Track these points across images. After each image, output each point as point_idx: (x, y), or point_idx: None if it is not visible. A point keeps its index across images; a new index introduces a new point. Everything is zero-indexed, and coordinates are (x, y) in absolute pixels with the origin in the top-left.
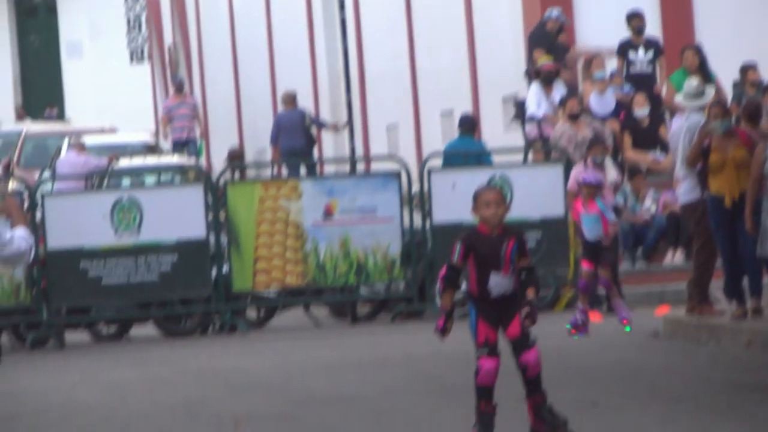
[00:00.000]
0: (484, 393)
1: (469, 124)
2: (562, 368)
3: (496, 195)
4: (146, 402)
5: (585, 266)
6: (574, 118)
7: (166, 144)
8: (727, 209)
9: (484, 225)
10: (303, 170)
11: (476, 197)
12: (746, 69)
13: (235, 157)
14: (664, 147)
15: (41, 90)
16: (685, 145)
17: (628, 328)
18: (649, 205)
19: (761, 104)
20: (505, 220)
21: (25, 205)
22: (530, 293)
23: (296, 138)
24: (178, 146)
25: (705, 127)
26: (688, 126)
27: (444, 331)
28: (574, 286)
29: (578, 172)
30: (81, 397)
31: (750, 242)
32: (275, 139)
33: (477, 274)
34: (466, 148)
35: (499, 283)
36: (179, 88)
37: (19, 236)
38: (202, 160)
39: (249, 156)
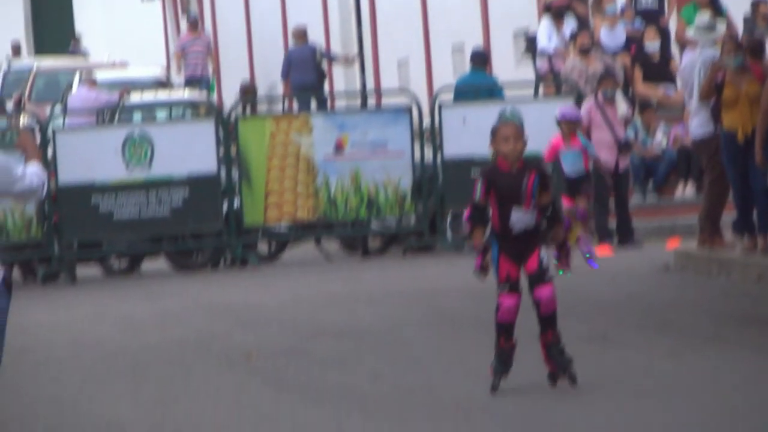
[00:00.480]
0: (504, 329)
1: (481, 59)
2: (574, 301)
3: (515, 130)
4: (157, 336)
5: (566, 203)
6: (584, 52)
7: (178, 79)
8: (740, 144)
9: (504, 160)
10: (314, 105)
11: (494, 132)
12: (757, 3)
13: (248, 92)
14: (675, 81)
15: (53, 27)
16: (700, 79)
17: (596, 266)
18: (660, 139)
19: (764, 39)
20: (523, 154)
21: (37, 140)
22: (559, 234)
23: (307, 73)
24: (192, 82)
25: (718, 62)
26: (702, 60)
27: (482, 269)
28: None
29: (589, 106)
30: (92, 331)
31: (761, 177)
32: (286, 74)
33: (498, 210)
34: (478, 82)
35: (521, 218)
36: (193, 25)
37: (32, 172)
38: (213, 97)
39: (260, 91)
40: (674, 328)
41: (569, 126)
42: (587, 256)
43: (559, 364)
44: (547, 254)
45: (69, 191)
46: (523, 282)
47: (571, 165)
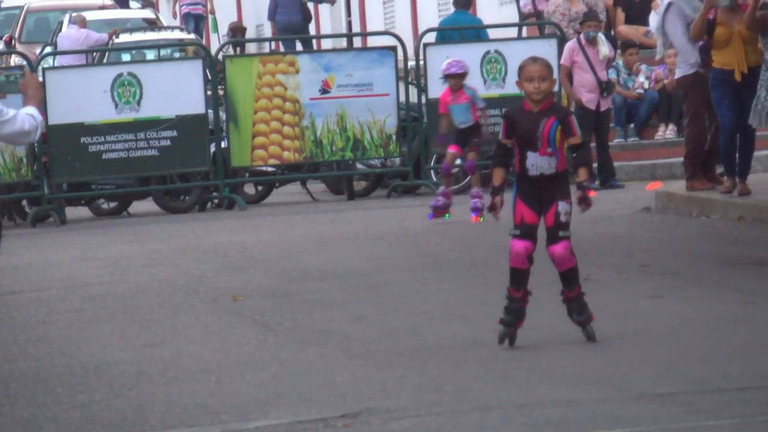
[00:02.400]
0: (514, 277)
1: (464, 0)
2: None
3: (540, 69)
4: (146, 277)
5: (451, 149)
6: None
7: (165, 20)
8: (735, 83)
9: (527, 100)
10: (300, 46)
11: (520, 70)
12: None
13: (237, 31)
14: None
15: None
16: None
17: (482, 219)
18: (642, 80)
19: None
20: (549, 95)
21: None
22: (582, 174)
23: (293, 13)
24: (189, 19)
25: (710, 0)
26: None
27: (493, 208)
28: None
29: (571, 46)
30: (81, 272)
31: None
32: (272, 15)
33: (519, 152)
34: (462, 22)
35: (535, 163)
36: None
37: (25, 114)
38: (217, 35)
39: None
40: (656, 269)
41: (455, 80)
42: (472, 208)
43: (577, 322)
44: (566, 208)
45: (59, 131)
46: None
47: (459, 117)
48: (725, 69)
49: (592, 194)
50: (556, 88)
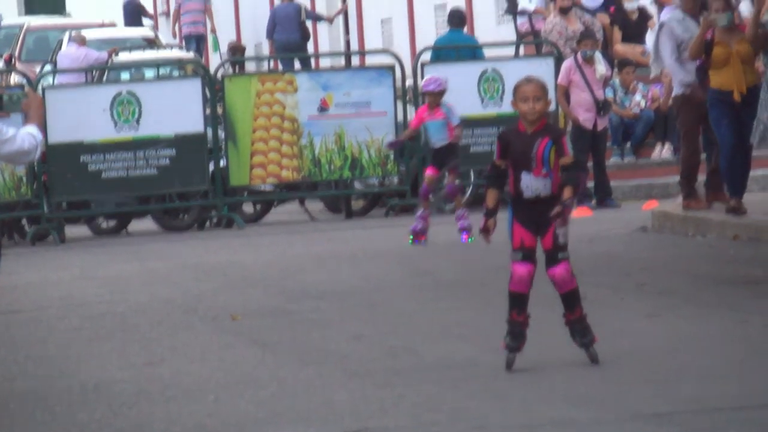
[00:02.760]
0: (516, 301)
1: (459, 18)
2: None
3: (535, 89)
4: (145, 295)
5: (429, 172)
6: (564, 11)
7: (164, 38)
8: (734, 103)
9: (522, 120)
10: (298, 64)
11: (515, 90)
12: None
13: (236, 50)
14: None
15: None
16: (663, 40)
17: (471, 239)
18: (639, 99)
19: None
20: (544, 115)
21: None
22: (566, 193)
23: (291, 31)
24: (190, 40)
25: (707, 19)
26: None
27: (485, 231)
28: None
29: (568, 65)
30: (80, 291)
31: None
32: (271, 33)
33: (513, 173)
34: (457, 41)
35: (530, 184)
36: None
37: (25, 134)
38: (218, 54)
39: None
40: (652, 288)
41: (433, 97)
42: (463, 230)
43: (580, 344)
44: (564, 229)
45: (58, 150)
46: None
47: (434, 134)
48: (723, 89)
49: (588, 213)
50: (552, 107)
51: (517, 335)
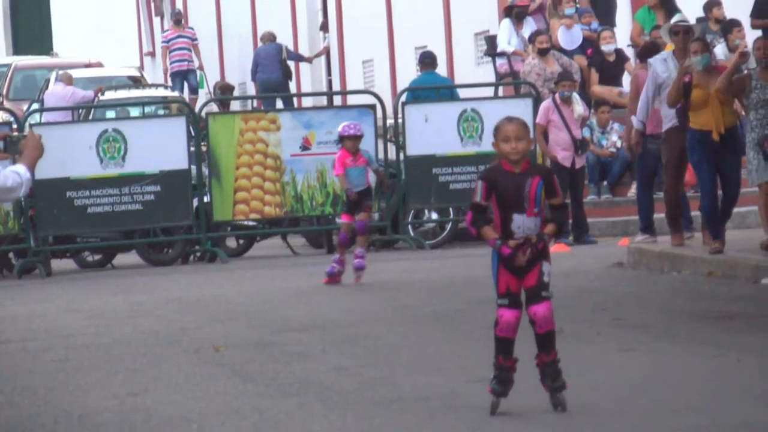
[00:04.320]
0: (503, 346)
1: (430, 59)
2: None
3: (516, 128)
4: (129, 328)
5: (344, 219)
6: (543, 53)
7: (149, 78)
8: (713, 144)
9: (505, 161)
10: (281, 103)
11: (496, 130)
12: (711, 5)
13: (225, 90)
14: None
15: (31, 25)
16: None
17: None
18: (615, 139)
19: (657, 44)
20: (526, 154)
21: (13, 133)
22: (548, 228)
23: (273, 70)
24: (178, 77)
25: (685, 66)
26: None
27: (514, 254)
28: None
29: (547, 105)
30: (66, 323)
31: (736, 178)
32: (254, 74)
33: (500, 214)
34: (431, 82)
35: (522, 225)
36: (177, 21)
37: (11, 171)
38: (203, 92)
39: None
40: (627, 322)
41: (352, 141)
42: (358, 269)
43: (550, 388)
44: (548, 268)
45: (45, 186)
46: None
47: (355, 180)
48: (703, 130)
49: (565, 249)
50: (531, 147)
51: (503, 381)
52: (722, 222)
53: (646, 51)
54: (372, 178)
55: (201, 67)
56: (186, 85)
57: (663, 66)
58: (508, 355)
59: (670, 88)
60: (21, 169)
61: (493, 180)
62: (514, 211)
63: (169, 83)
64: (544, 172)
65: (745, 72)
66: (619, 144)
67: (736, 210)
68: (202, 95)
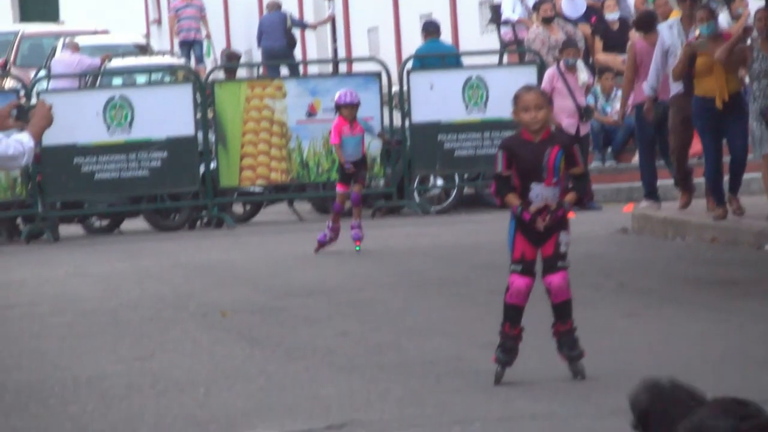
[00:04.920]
0: (511, 313)
1: (434, 28)
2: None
3: (536, 97)
4: (136, 292)
5: (340, 189)
6: (547, 21)
7: (155, 45)
8: (718, 110)
9: (525, 130)
10: (286, 71)
11: (515, 100)
12: None
13: (232, 58)
14: None
15: None
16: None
17: (357, 248)
18: (619, 106)
19: (653, 14)
20: (547, 123)
21: (22, 101)
22: (569, 196)
23: (277, 39)
24: (185, 46)
25: (689, 44)
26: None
27: (538, 222)
28: None
29: (551, 73)
30: (73, 288)
31: (742, 139)
32: (259, 42)
33: (520, 183)
34: (435, 50)
35: (540, 194)
36: None
37: (14, 140)
38: (209, 61)
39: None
40: (631, 288)
41: (349, 110)
42: (356, 240)
43: (567, 356)
44: (566, 238)
45: (52, 152)
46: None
47: (350, 150)
48: (707, 97)
49: (571, 215)
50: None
51: (508, 350)
52: (733, 188)
53: (643, 20)
54: (376, 144)
55: (208, 36)
56: (192, 55)
57: (669, 33)
58: (514, 323)
59: (676, 65)
60: (24, 137)
61: (512, 150)
62: (533, 180)
63: (176, 51)
64: (564, 142)
65: (748, 43)
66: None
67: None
68: (210, 64)
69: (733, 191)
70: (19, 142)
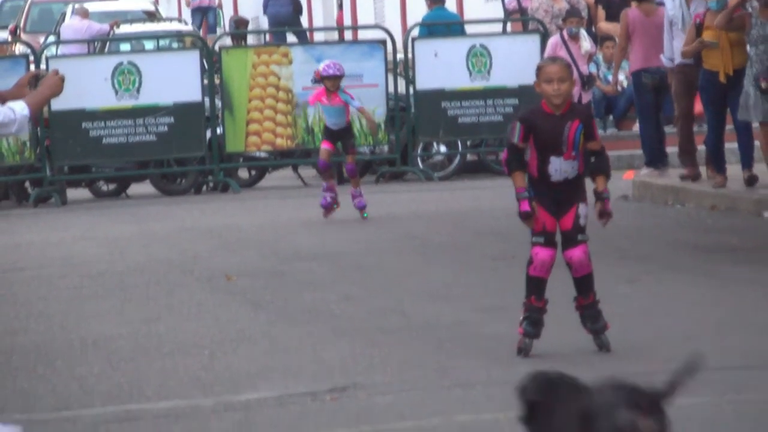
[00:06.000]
0: (536, 286)
1: None
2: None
3: (560, 69)
4: (143, 256)
5: (324, 146)
6: None
7: (164, 12)
8: (721, 84)
9: (546, 102)
10: (292, 38)
11: (538, 71)
12: None
13: (240, 24)
14: None
15: None
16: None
17: (366, 215)
18: (621, 79)
19: None
20: (569, 96)
21: (32, 68)
22: (601, 183)
23: (282, 5)
24: (198, 13)
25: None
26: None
27: (530, 214)
28: None
29: (554, 42)
30: (81, 251)
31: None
32: (265, 8)
33: (537, 156)
34: (441, 18)
35: (560, 168)
36: None
37: (7, 107)
38: (220, 29)
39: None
40: (633, 254)
41: (332, 81)
42: (361, 209)
43: (591, 331)
44: (585, 211)
45: (61, 117)
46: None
47: (332, 118)
48: (713, 71)
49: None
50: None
51: (535, 321)
52: (746, 163)
53: None
54: (381, 111)
55: (220, 6)
56: (204, 22)
57: (671, 4)
58: (540, 295)
59: (686, 49)
60: (19, 106)
61: (531, 122)
62: (552, 153)
63: (184, 17)
64: (584, 115)
65: (749, 10)
66: (625, 83)
67: (735, 145)
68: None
69: (747, 166)
70: (11, 109)
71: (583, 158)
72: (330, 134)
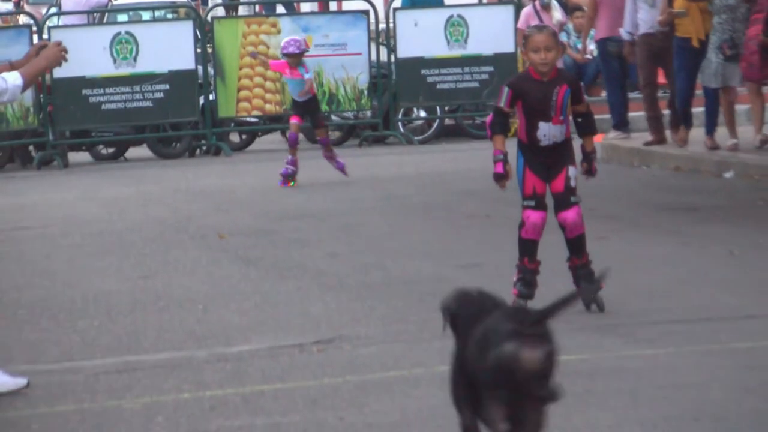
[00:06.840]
0: (528, 248)
1: None
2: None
3: (546, 38)
4: (140, 215)
5: (293, 120)
6: None
7: None
8: (694, 50)
9: (534, 70)
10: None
11: (526, 40)
12: None
13: None
14: None
15: None
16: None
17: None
18: (591, 48)
19: None
20: (555, 64)
21: (35, 37)
22: (589, 144)
23: None
24: None
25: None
26: None
27: (504, 176)
28: None
29: (527, 12)
30: (82, 211)
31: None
32: None
33: (526, 121)
34: None
35: (548, 132)
36: None
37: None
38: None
39: None
40: (600, 213)
41: (292, 58)
42: (341, 169)
43: (584, 290)
44: (575, 172)
45: (62, 84)
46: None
47: (293, 90)
48: (685, 37)
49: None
50: (512, 49)
51: (529, 282)
52: (709, 129)
53: None
54: (364, 78)
55: None
56: None
57: None
58: (532, 257)
59: (660, 19)
60: (12, 76)
61: (519, 87)
62: (540, 119)
63: None
64: (571, 80)
65: None
66: (593, 47)
67: (701, 109)
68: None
69: (710, 132)
70: (3, 79)
71: (568, 123)
72: (297, 107)
